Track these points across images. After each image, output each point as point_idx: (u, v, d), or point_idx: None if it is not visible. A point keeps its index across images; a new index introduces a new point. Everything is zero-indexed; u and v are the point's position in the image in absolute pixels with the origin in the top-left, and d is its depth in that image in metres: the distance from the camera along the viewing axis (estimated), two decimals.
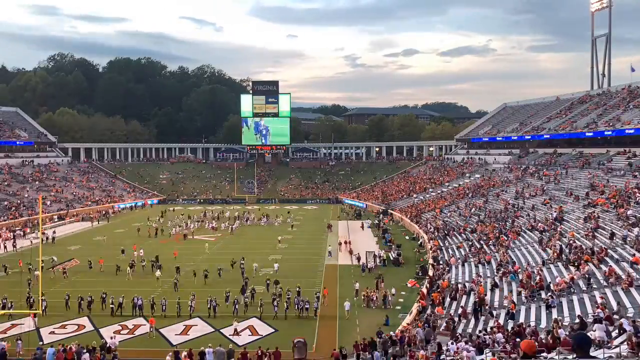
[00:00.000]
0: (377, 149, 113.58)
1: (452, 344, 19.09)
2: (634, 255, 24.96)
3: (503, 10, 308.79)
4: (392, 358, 19.43)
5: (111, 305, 28.44)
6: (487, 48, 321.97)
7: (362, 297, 30.88)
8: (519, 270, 29.45)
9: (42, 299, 27.02)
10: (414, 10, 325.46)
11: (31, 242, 48.53)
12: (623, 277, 22.69)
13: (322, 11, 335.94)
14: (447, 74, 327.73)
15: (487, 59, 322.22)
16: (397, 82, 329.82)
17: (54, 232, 54.32)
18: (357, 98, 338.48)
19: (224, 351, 21.58)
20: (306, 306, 28.06)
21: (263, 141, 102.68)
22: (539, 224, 38.01)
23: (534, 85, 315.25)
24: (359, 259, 40.73)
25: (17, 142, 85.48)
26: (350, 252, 44.14)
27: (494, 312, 24.51)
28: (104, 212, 70.35)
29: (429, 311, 27.06)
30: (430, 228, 50.17)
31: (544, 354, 15.70)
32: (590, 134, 57.96)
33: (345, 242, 47.07)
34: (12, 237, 50.49)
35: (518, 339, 17.83)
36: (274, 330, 26.08)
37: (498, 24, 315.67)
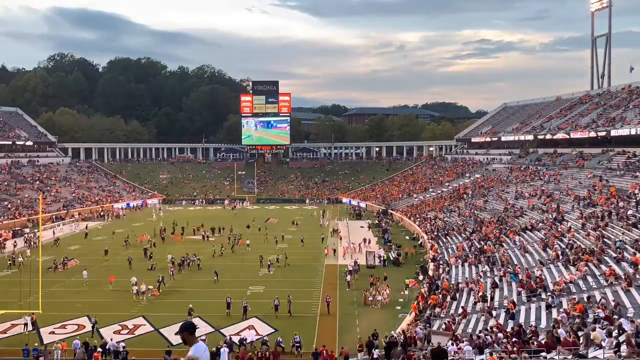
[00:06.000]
0: (377, 149, 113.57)
1: (452, 344, 19.08)
2: (634, 254, 24.95)
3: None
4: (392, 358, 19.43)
5: None
6: (535, 44, 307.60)
7: (362, 296, 31.00)
8: (519, 270, 29.45)
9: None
10: (473, 3, 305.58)
11: (31, 242, 48.50)
12: (622, 276, 22.68)
13: (372, 4, 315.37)
14: (491, 72, 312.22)
15: (534, 56, 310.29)
16: (440, 80, 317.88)
17: (54, 232, 54.32)
18: (389, 97, 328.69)
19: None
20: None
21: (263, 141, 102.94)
22: (539, 224, 38.01)
23: (577, 84, 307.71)
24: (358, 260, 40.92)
25: (17, 142, 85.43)
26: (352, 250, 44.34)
27: (494, 312, 24.51)
28: (102, 213, 70.42)
29: (429, 311, 27.09)
30: (430, 228, 50.16)
31: (544, 354, 15.74)
32: (590, 134, 57.92)
33: (352, 244, 46.90)
34: (11, 237, 50.52)
35: (517, 339, 17.85)
36: (273, 330, 26.07)
37: (556, 20, 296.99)
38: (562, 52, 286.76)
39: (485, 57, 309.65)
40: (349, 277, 34.81)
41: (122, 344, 22.91)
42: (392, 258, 42.21)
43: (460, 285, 30.68)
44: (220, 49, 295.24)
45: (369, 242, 48.56)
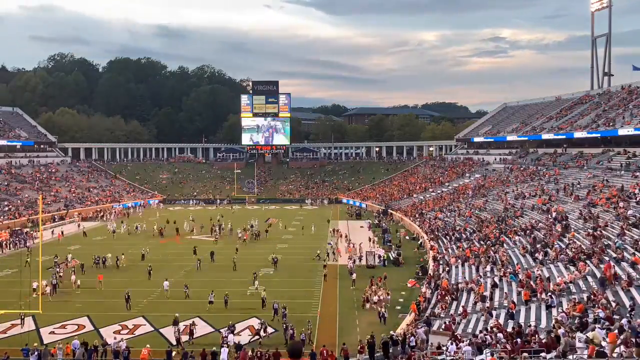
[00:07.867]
0: (377, 149, 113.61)
1: (451, 344, 19.08)
2: (634, 255, 24.94)
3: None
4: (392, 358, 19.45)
5: None
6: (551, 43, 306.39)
7: (362, 297, 30.99)
8: (519, 270, 29.44)
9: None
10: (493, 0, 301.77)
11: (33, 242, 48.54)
12: (623, 277, 22.67)
13: (389, 1, 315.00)
14: (504, 71, 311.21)
15: (548, 55, 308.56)
16: (452, 80, 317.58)
17: (53, 231, 54.34)
18: (399, 96, 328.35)
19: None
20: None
21: (263, 141, 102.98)
22: (539, 224, 37.99)
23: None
24: (360, 258, 40.92)
25: (17, 142, 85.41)
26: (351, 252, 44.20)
27: (494, 312, 24.50)
28: (102, 213, 70.36)
29: (429, 311, 27.08)
30: (431, 227, 50.14)
31: (544, 354, 15.74)
32: (590, 134, 57.92)
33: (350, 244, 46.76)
34: (10, 237, 50.54)
35: (518, 339, 17.84)
36: (274, 331, 26.06)
37: (572, 18, 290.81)
38: (576, 50, 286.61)
39: (501, 55, 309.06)
40: (354, 276, 34.90)
41: (123, 343, 22.82)
42: (392, 258, 42.21)
43: (460, 285, 30.66)
44: (225, 48, 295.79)
45: (374, 242, 48.41)
